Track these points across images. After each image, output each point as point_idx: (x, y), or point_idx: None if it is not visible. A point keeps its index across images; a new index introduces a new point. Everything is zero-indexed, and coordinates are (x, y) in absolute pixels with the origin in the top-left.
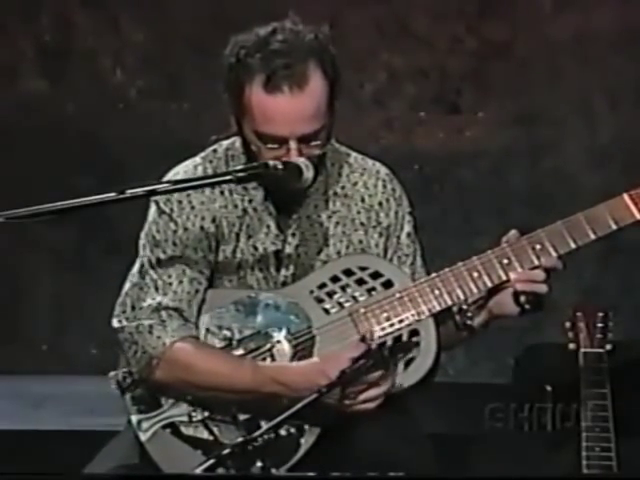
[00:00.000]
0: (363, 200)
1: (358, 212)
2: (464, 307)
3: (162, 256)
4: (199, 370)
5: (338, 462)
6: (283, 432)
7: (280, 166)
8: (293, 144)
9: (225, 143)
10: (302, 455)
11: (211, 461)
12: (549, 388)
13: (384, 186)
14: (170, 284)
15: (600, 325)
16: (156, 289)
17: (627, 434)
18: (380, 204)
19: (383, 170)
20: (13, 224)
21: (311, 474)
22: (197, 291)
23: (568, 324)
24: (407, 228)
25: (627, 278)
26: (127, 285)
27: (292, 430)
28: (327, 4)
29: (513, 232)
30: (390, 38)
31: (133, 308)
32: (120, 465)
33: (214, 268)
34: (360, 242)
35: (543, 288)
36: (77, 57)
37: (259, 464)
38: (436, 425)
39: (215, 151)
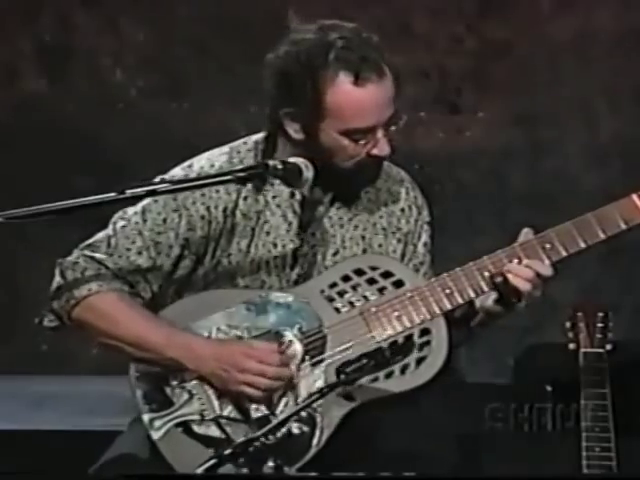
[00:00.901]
0: (386, 205)
1: (380, 217)
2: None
3: (141, 225)
4: (115, 320)
5: (351, 460)
6: (295, 430)
7: (280, 166)
8: (380, 133)
9: (255, 137)
10: (314, 453)
11: (212, 461)
12: (549, 388)
13: (407, 193)
14: (128, 249)
15: (600, 325)
16: (108, 246)
17: (627, 434)
18: (402, 210)
19: (407, 177)
20: (13, 224)
21: (314, 474)
22: (149, 270)
23: (568, 324)
24: (424, 237)
25: (627, 278)
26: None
27: (304, 428)
28: (327, 4)
29: (526, 230)
30: (390, 38)
31: (82, 248)
32: (129, 462)
33: (228, 262)
34: (380, 246)
35: (526, 286)
36: (77, 57)
37: (271, 463)
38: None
39: (245, 143)
